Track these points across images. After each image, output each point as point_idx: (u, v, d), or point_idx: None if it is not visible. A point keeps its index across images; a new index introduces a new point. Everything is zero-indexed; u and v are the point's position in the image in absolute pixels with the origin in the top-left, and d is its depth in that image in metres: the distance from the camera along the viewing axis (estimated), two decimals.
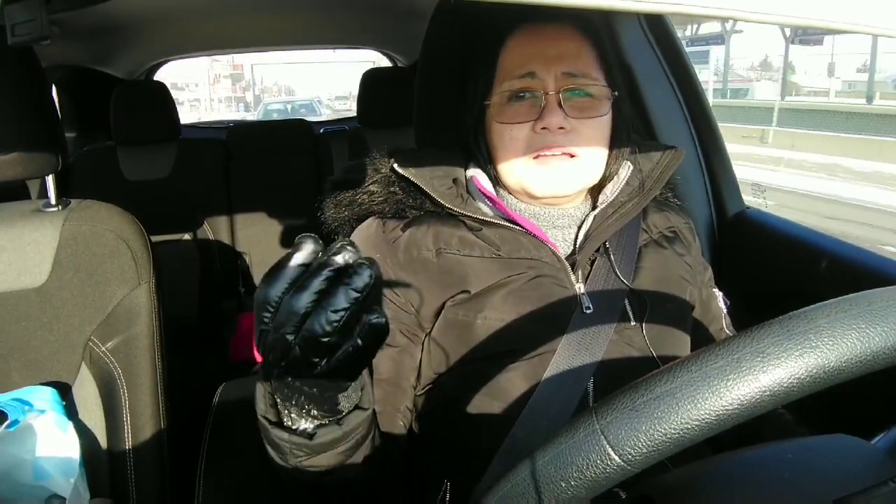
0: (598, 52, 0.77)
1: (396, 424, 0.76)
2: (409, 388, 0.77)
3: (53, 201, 0.96)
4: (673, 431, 0.33)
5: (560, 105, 0.72)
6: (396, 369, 0.76)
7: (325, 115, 16.27)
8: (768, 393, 0.33)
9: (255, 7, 1.93)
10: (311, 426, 0.52)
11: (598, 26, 0.79)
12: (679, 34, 1.33)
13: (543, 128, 0.73)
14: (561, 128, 0.72)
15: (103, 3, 1.00)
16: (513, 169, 0.76)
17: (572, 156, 0.74)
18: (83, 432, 0.90)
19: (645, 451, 0.34)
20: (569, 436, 0.36)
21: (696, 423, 0.33)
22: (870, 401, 0.76)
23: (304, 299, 0.44)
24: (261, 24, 2.23)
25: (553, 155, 0.73)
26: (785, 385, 0.33)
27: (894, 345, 0.34)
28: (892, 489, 0.42)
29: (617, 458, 0.34)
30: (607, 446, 0.34)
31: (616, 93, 0.76)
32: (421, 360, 0.77)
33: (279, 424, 0.53)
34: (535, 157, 0.74)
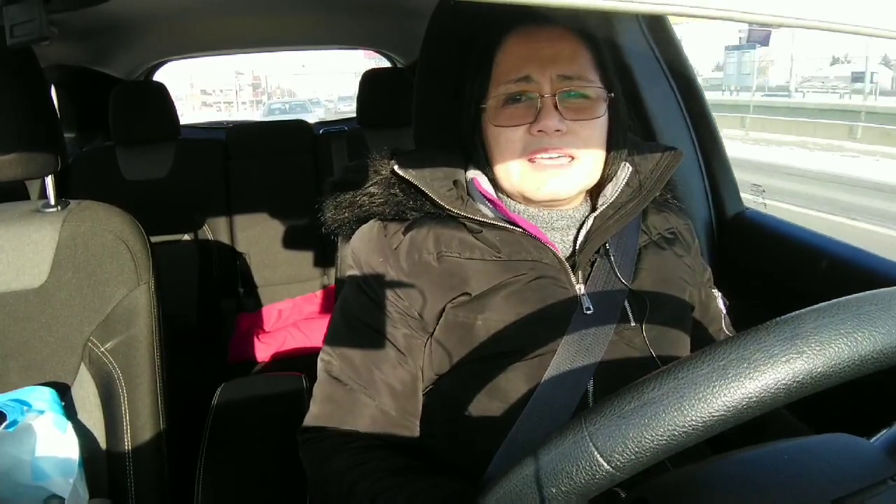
0: (593, 53, 0.77)
1: (415, 430, 0.77)
2: (420, 391, 0.78)
3: (53, 202, 0.96)
4: (660, 438, 0.34)
5: (556, 107, 0.72)
6: (410, 378, 0.77)
7: (317, 112, 19.27)
8: (755, 399, 0.33)
9: (254, 8, 1.93)
10: None
11: (593, 28, 0.79)
12: None
13: (539, 130, 0.72)
14: (557, 130, 0.72)
15: (102, 3, 1.00)
16: (509, 172, 0.76)
17: (571, 158, 0.74)
18: (82, 433, 0.90)
19: (633, 457, 0.34)
20: (558, 442, 0.36)
21: (683, 429, 0.33)
22: (869, 400, 0.76)
23: None
24: (259, 25, 2.22)
25: (550, 158, 0.73)
26: (772, 391, 0.33)
27: (883, 349, 0.34)
28: (891, 488, 0.42)
29: (605, 464, 0.34)
30: (595, 453, 0.35)
31: (612, 94, 0.76)
32: (423, 362, 0.77)
33: None
34: (530, 161, 0.74)
